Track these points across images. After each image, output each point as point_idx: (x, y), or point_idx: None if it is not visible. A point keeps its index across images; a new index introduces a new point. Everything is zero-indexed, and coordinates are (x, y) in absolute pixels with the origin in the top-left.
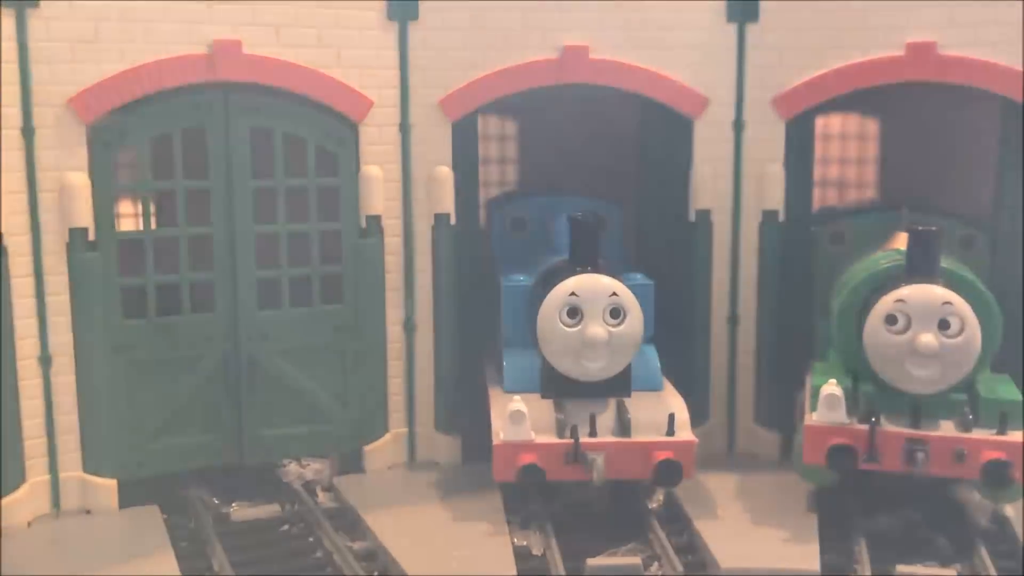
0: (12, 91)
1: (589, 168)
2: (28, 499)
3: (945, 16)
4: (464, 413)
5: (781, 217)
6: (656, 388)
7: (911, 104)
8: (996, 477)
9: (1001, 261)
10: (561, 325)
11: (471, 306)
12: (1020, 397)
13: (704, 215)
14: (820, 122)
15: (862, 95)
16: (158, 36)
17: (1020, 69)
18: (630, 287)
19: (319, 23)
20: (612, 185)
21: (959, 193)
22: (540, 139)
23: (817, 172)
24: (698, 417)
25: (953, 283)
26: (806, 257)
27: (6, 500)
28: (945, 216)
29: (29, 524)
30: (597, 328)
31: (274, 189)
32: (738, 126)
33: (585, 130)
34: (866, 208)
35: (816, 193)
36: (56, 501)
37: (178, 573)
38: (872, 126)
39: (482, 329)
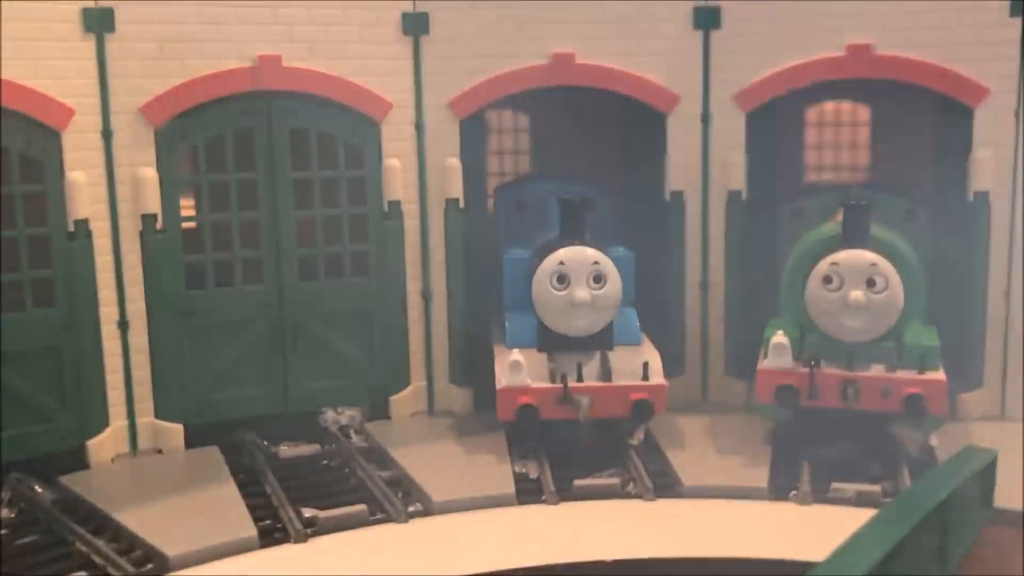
0: (93, 102)
1: (585, 156)
2: (111, 440)
3: (880, 20)
4: (474, 369)
5: (744, 196)
6: (635, 342)
7: (887, 95)
8: (913, 408)
9: (941, 231)
10: (552, 289)
11: (479, 276)
12: (937, 343)
13: (678, 196)
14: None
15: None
16: (212, 53)
17: (947, 67)
18: (614, 257)
19: (345, 39)
20: (603, 171)
21: (909, 173)
22: (547, 132)
23: (812, 156)
24: (675, 369)
25: (882, 248)
26: (767, 230)
27: (93, 441)
28: (892, 193)
29: (112, 460)
30: (582, 291)
31: (310, 180)
32: (705, 119)
33: (582, 124)
34: (823, 187)
35: (812, 174)
36: (133, 442)
37: (239, 497)
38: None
39: (489, 296)
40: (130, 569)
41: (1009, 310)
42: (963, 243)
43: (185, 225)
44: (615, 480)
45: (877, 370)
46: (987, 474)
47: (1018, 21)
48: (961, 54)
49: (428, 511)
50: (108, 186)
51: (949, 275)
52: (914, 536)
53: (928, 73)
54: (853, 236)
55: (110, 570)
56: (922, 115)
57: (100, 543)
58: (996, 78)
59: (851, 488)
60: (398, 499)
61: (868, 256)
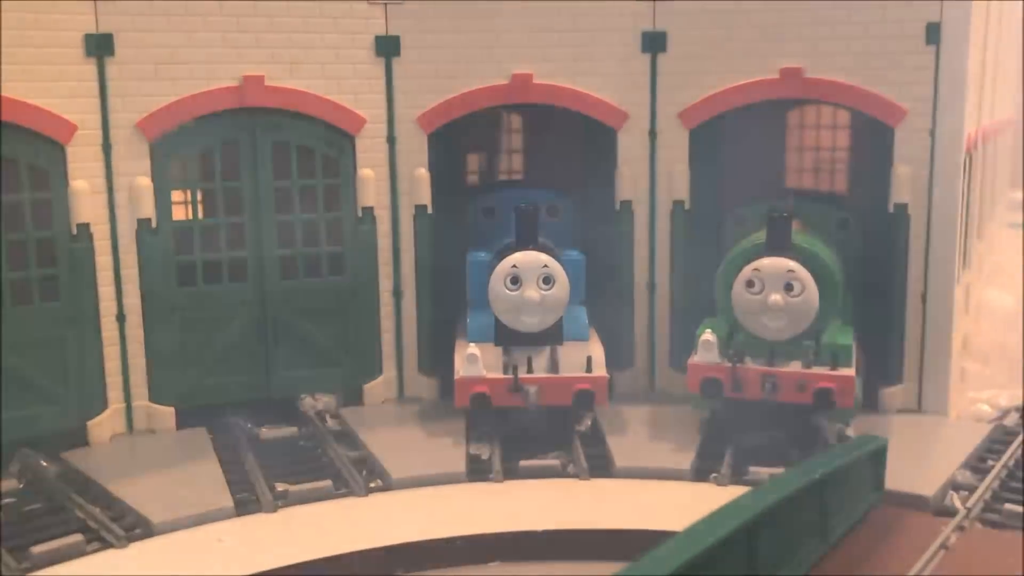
0: (95, 118)
1: (549, 168)
2: (109, 421)
3: (811, 46)
4: (440, 360)
5: (687, 205)
6: (583, 338)
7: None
8: (823, 401)
9: (869, 238)
10: (505, 290)
11: (445, 277)
12: (851, 342)
13: (627, 205)
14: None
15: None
16: (201, 74)
17: (870, 89)
18: (566, 260)
19: (323, 60)
20: (564, 181)
21: (850, 185)
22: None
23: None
24: (625, 363)
25: (801, 256)
26: (709, 236)
27: (94, 421)
28: (827, 203)
29: (110, 439)
30: (532, 292)
31: (290, 188)
32: (652, 135)
33: (547, 139)
34: (766, 195)
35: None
36: (130, 423)
37: (220, 473)
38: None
39: (454, 294)
40: (120, 532)
41: (926, 312)
42: (886, 250)
43: (177, 228)
44: (556, 461)
45: (795, 366)
46: (878, 460)
47: (933, 49)
48: (883, 78)
49: (387, 487)
50: (107, 193)
51: (874, 279)
52: (786, 511)
53: (853, 95)
54: (775, 244)
55: (103, 533)
56: (853, 132)
57: (96, 510)
58: (913, 100)
59: (766, 472)
60: (361, 476)
61: (787, 263)
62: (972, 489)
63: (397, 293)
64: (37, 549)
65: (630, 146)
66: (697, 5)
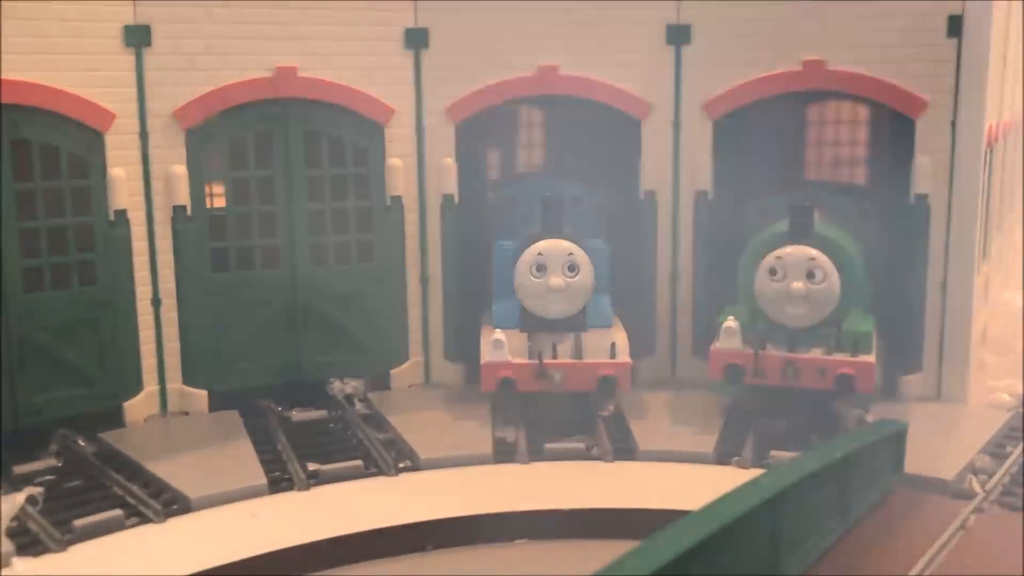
0: (132, 107)
1: (580, 155)
2: (144, 403)
3: (833, 38)
4: (466, 346)
5: (710, 196)
6: (607, 325)
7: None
8: (843, 386)
9: (890, 227)
10: (531, 277)
11: (471, 264)
12: (871, 330)
13: (651, 195)
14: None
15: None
16: (235, 65)
17: (891, 81)
18: (591, 249)
19: (354, 52)
20: (588, 171)
21: (871, 175)
22: (540, 136)
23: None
24: (647, 350)
25: (823, 244)
26: (732, 226)
27: (129, 403)
28: (848, 193)
29: (145, 420)
30: (557, 279)
31: (321, 176)
32: (676, 125)
33: (571, 129)
34: (788, 185)
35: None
36: (164, 405)
37: (253, 453)
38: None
39: (480, 282)
40: (158, 508)
41: (945, 302)
42: (906, 240)
43: (211, 215)
44: (581, 444)
45: (816, 353)
46: (897, 443)
47: (954, 41)
48: (905, 70)
49: (416, 467)
50: (144, 181)
51: (895, 268)
52: (808, 490)
53: (875, 86)
54: (797, 233)
55: (141, 509)
56: (875, 124)
57: (134, 487)
58: (934, 92)
59: (787, 456)
60: (390, 457)
61: (809, 251)
62: (991, 473)
63: (424, 280)
64: (79, 523)
65: (654, 137)
66: None
